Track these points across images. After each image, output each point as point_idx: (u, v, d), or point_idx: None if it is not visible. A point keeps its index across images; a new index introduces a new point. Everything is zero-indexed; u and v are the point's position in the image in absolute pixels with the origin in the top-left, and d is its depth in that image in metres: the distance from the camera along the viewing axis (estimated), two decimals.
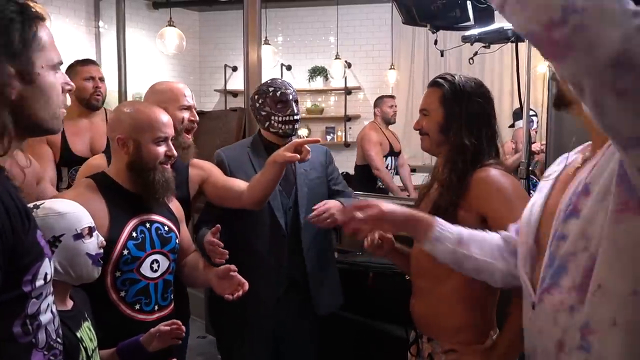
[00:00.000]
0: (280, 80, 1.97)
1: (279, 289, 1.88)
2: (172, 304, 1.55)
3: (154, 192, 1.45)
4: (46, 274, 0.81)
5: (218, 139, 3.65)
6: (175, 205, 1.63)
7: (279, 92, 1.89)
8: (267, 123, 1.90)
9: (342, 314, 2.24)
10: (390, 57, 5.58)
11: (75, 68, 2.53)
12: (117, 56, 4.83)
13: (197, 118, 1.77)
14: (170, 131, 1.49)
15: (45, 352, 0.83)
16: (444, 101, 1.42)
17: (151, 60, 5.38)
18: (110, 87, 4.73)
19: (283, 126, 1.88)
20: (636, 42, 0.59)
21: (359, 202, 1.19)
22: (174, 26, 4.31)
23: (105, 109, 2.63)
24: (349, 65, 5.67)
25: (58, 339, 0.88)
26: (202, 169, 1.83)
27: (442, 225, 1.14)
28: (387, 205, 1.13)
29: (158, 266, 1.48)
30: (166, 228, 1.52)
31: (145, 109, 1.51)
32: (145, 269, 1.44)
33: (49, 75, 0.82)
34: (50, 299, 0.85)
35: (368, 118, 4.75)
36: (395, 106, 4.14)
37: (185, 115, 1.71)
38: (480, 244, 1.14)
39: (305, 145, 1.61)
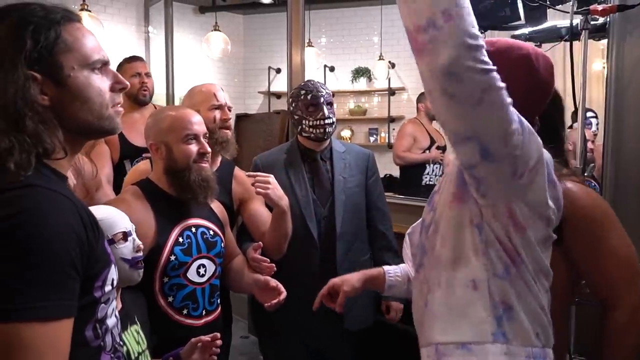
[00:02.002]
0: (312, 82, 1.91)
1: (311, 299, 1.83)
2: (219, 308, 1.55)
3: (192, 193, 1.44)
4: (113, 279, 0.84)
5: (261, 141, 3.70)
6: (219, 209, 1.63)
7: (310, 95, 1.85)
8: (300, 127, 1.86)
9: (387, 320, 2.20)
10: None
11: (123, 66, 2.64)
12: (165, 59, 4.97)
13: (229, 116, 1.79)
14: (199, 128, 1.47)
15: (112, 355, 0.86)
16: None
17: (197, 63, 5.51)
18: (158, 90, 4.89)
19: (314, 130, 1.83)
20: (463, 62, 0.78)
21: (324, 290, 1.40)
22: (220, 30, 4.40)
23: (153, 105, 2.72)
24: (393, 66, 5.60)
25: (120, 342, 0.91)
26: (245, 189, 1.79)
27: (390, 273, 1.36)
28: (346, 284, 1.35)
29: (205, 271, 1.48)
30: (211, 232, 1.52)
31: (171, 111, 1.51)
32: (192, 274, 1.44)
33: (82, 75, 0.80)
34: (115, 303, 0.88)
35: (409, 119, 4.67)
36: None
37: (217, 114, 1.73)
38: None
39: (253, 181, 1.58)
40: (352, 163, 1.91)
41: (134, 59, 2.72)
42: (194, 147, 1.46)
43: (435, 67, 0.79)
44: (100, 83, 0.83)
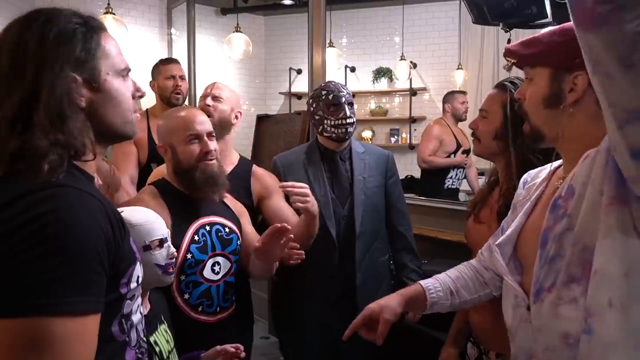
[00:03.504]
0: (334, 83, 1.92)
1: (330, 299, 1.85)
2: (234, 305, 1.56)
3: (200, 191, 1.47)
4: (138, 276, 0.86)
5: (282, 141, 3.70)
6: (233, 203, 1.63)
7: (332, 95, 1.85)
8: (321, 127, 1.87)
9: (405, 322, 2.17)
10: (458, 57, 5.40)
11: (159, 67, 2.65)
12: (187, 61, 5.01)
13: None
14: (201, 127, 1.49)
15: (137, 350, 0.88)
16: (506, 107, 1.34)
17: (219, 64, 5.55)
18: None
19: (335, 130, 1.83)
20: None
21: (359, 320, 1.20)
22: (241, 32, 4.42)
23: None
24: (415, 66, 5.55)
25: (144, 338, 0.93)
26: (264, 186, 1.80)
27: (430, 289, 1.22)
28: (386, 311, 1.18)
29: (219, 268, 1.50)
30: (227, 230, 1.53)
31: (174, 112, 1.54)
32: (207, 272, 1.47)
33: (115, 81, 0.85)
34: (140, 300, 0.90)
35: (434, 119, 4.63)
36: (467, 102, 3.91)
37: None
38: (466, 285, 1.24)
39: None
40: (372, 163, 1.91)
41: (169, 61, 2.72)
42: (196, 148, 1.47)
43: (618, 35, 0.69)
44: (128, 89, 0.89)
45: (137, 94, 0.91)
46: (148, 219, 1.19)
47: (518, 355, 1.03)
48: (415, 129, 5.71)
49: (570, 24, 0.93)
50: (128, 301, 0.83)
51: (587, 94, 0.94)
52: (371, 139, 5.86)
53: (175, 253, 1.25)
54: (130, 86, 0.90)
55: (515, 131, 1.32)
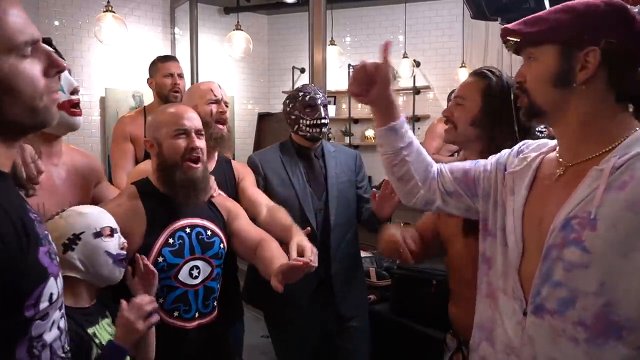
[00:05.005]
0: (311, 86, 2.06)
1: (309, 289, 1.90)
2: (216, 311, 1.49)
3: (176, 194, 1.40)
4: (51, 294, 0.73)
5: (283, 139, 3.71)
6: (221, 203, 1.55)
7: (308, 96, 1.96)
8: (296, 126, 1.97)
9: (403, 321, 2.16)
10: (461, 55, 5.37)
11: (157, 65, 2.62)
12: (190, 60, 5.02)
13: (226, 109, 1.79)
14: (190, 123, 1.42)
15: None
16: (486, 94, 1.34)
17: (222, 63, 5.55)
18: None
19: (311, 129, 1.93)
20: None
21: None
22: (241, 30, 4.42)
23: None
24: (418, 64, 5.52)
25: (65, 348, 0.81)
26: (238, 171, 1.85)
27: (404, 123, 1.20)
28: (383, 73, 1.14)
29: (198, 272, 1.42)
30: (209, 232, 1.46)
31: (164, 108, 1.51)
32: (183, 276, 1.39)
33: (7, 64, 0.67)
34: (57, 315, 0.77)
35: (438, 117, 4.59)
36: None
37: (213, 108, 1.75)
38: (420, 158, 1.18)
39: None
40: (343, 161, 2.04)
41: (167, 58, 2.68)
42: (182, 143, 1.41)
43: None
44: (32, 69, 0.69)
45: (53, 71, 0.71)
46: (95, 209, 1.23)
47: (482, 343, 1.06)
48: (418, 128, 5.68)
49: (574, 1, 0.92)
50: (38, 322, 0.71)
51: (598, 72, 0.89)
52: (374, 138, 5.83)
53: (126, 243, 1.25)
54: (38, 62, 0.70)
55: (493, 119, 1.33)
